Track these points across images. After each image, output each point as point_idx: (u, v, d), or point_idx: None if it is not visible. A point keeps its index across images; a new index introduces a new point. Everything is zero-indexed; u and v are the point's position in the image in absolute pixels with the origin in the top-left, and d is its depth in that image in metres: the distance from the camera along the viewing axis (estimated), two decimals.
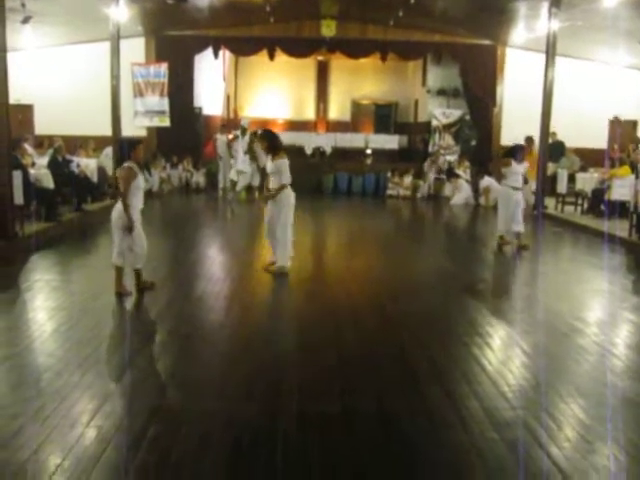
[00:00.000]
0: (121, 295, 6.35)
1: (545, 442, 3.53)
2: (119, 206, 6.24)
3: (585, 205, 13.26)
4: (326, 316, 6.09)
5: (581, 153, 15.58)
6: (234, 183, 15.42)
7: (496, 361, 4.84)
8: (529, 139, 14.82)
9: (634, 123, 18.40)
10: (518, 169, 9.51)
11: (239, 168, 14.95)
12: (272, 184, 7.57)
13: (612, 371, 4.66)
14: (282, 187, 7.49)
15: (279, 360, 4.82)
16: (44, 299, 6.42)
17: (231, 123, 19.83)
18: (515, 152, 9.65)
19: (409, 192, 16.98)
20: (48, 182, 10.64)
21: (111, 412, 3.77)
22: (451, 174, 16.83)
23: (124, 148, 6.47)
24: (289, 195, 7.60)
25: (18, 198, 9.11)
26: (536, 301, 6.74)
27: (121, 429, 3.55)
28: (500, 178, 10.39)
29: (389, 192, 17.17)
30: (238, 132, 15.26)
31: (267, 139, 7.61)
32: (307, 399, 4.08)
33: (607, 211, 11.52)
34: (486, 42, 17.99)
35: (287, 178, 7.47)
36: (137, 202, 6.35)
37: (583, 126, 16.93)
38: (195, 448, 3.41)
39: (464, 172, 16.71)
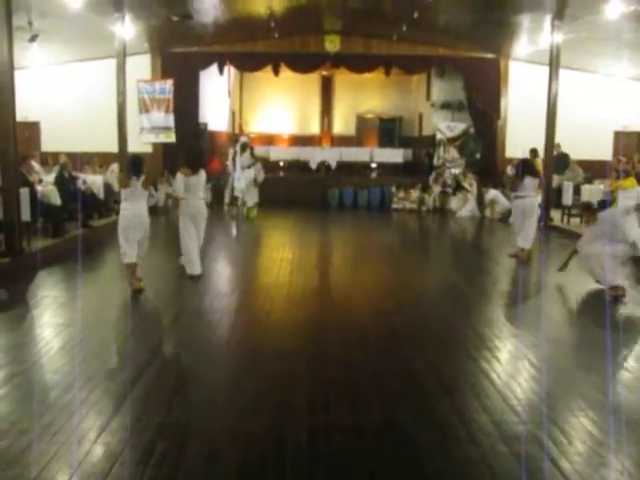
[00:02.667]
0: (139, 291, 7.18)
1: (556, 456, 3.50)
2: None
3: None
4: (333, 330, 6.07)
5: (586, 165, 15.57)
6: (236, 198, 15.34)
7: (505, 375, 4.81)
8: (533, 151, 14.85)
9: (639, 134, 18.39)
10: (530, 182, 9.48)
11: (235, 184, 15.03)
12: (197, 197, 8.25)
13: (622, 384, 4.62)
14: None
15: (286, 375, 4.80)
16: (51, 315, 6.43)
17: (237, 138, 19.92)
18: (526, 167, 9.66)
19: (415, 205, 16.97)
20: (55, 199, 10.69)
21: (119, 428, 3.76)
22: (458, 187, 16.83)
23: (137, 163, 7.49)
24: (186, 206, 8.19)
25: (25, 215, 9.16)
26: (544, 313, 6.71)
27: (129, 445, 3.54)
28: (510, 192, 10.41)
29: (394, 206, 17.17)
30: (237, 148, 15.29)
31: (191, 155, 8.47)
32: (315, 414, 4.06)
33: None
34: (490, 55, 18.05)
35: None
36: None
37: (588, 138, 16.94)
38: (203, 464, 3.39)
39: (469, 185, 16.72)
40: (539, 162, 14.94)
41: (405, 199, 17.07)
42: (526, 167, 9.73)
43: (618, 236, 7.27)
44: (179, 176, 8.15)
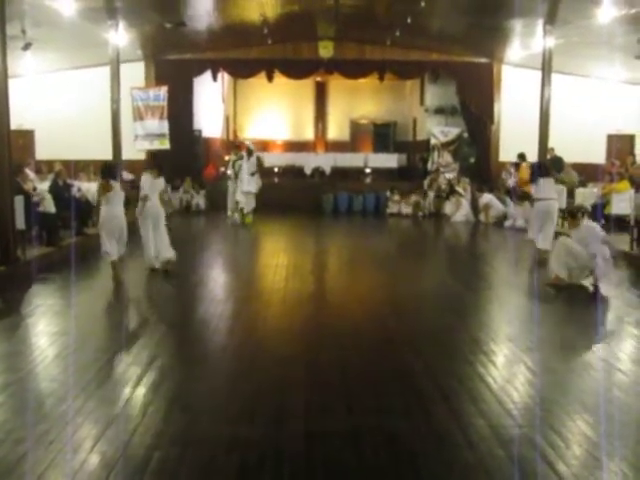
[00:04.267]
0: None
1: (553, 460, 3.50)
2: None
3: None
4: (329, 336, 6.07)
5: (580, 168, 15.64)
6: (237, 204, 15.07)
7: (501, 379, 4.81)
8: (521, 156, 15.00)
9: (631, 137, 18.49)
10: (546, 184, 9.51)
11: (245, 189, 14.72)
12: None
13: (618, 387, 4.63)
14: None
15: (283, 381, 4.79)
16: (46, 324, 6.41)
17: (243, 145, 19.86)
18: (538, 169, 9.69)
19: (410, 210, 16.99)
20: (49, 207, 10.66)
21: (115, 437, 3.74)
22: (452, 191, 16.87)
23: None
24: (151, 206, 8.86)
25: (20, 223, 9.13)
26: (539, 317, 6.72)
27: (125, 454, 3.53)
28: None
29: (389, 210, 17.20)
30: (243, 152, 15.15)
31: (156, 162, 9.36)
32: (312, 420, 4.05)
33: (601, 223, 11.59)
34: (482, 60, 18.14)
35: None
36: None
37: (581, 141, 17.02)
38: (200, 472, 3.38)
39: (464, 189, 16.76)
40: (524, 166, 15.13)
41: (405, 202, 17.04)
42: (540, 169, 9.74)
43: (589, 248, 7.61)
44: (148, 177, 8.92)
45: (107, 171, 8.25)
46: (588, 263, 7.66)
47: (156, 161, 9.36)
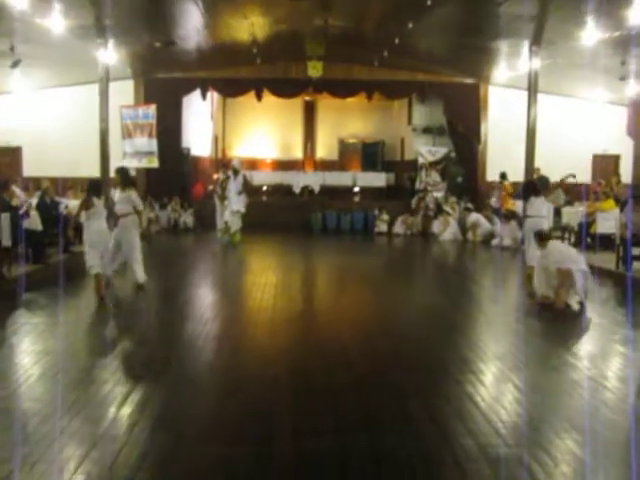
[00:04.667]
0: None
1: (541, 478, 3.49)
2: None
3: (572, 239, 13.37)
4: (317, 356, 6.04)
5: (565, 188, 15.77)
6: (226, 224, 14.95)
7: (489, 398, 4.80)
8: (502, 175, 15.20)
9: (616, 157, 18.70)
10: (536, 202, 9.63)
11: (234, 209, 14.64)
12: (120, 211, 8.95)
13: (606, 404, 4.63)
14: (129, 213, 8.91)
15: (270, 400, 4.75)
16: (31, 342, 6.33)
17: (230, 163, 19.87)
18: (530, 188, 9.83)
19: (399, 229, 17.05)
20: (36, 224, 10.59)
21: (99, 458, 3.69)
22: (439, 210, 16.96)
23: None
24: (135, 220, 8.99)
25: (6, 240, 9.07)
26: (527, 336, 6.73)
27: (110, 475, 3.48)
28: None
29: (377, 229, 17.24)
30: (229, 172, 15.10)
31: (120, 174, 9.23)
32: (300, 440, 4.02)
33: (584, 244, 11.72)
34: (469, 80, 18.34)
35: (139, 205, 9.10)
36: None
37: (567, 161, 17.11)
38: None
39: (451, 208, 16.85)
40: (507, 185, 15.32)
41: (406, 223, 17.09)
42: (529, 187, 9.89)
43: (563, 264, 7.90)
44: (116, 192, 9.25)
45: (92, 188, 8.43)
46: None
47: (121, 173, 9.26)
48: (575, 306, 7.79)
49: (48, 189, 11.86)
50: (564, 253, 8.11)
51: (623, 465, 3.69)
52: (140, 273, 8.96)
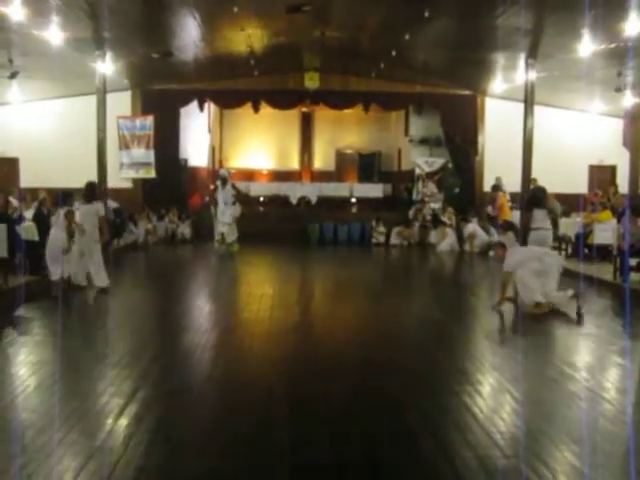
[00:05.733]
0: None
1: None
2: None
3: (569, 250, 13.39)
4: (314, 367, 6.02)
5: (562, 199, 15.84)
6: (222, 235, 14.93)
7: (487, 409, 4.79)
8: (495, 187, 15.27)
9: (613, 168, 18.79)
10: (539, 214, 9.68)
11: (225, 220, 14.62)
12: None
13: (604, 416, 4.62)
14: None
15: (267, 413, 4.73)
16: (28, 353, 6.30)
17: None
18: (533, 201, 9.88)
19: (396, 240, 17.06)
20: (33, 235, 10.57)
21: (96, 470, 3.66)
22: (437, 221, 16.98)
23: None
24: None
25: (2, 251, 9.04)
26: (525, 347, 6.72)
27: None
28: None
29: (374, 240, 17.25)
30: (218, 182, 15.04)
31: (86, 189, 9.82)
32: (297, 452, 4.00)
33: (581, 255, 11.76)
34: (466, 92, 18.44)
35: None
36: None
37: (563, 172, 17.26)
38: None
39: (449, 219, 16.88)
40: (502, 195, 15.36)
41: (401, 235, 17.09)
42: (532, 200, 9.89)
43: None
44: (79, 204, 9.81)
45: (62, 199, 9.48)
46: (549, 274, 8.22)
47: (86, 188, 9.84)
48: (573, 315, 7.83)
49: (45, 200, 11.84)
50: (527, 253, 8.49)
51: (622, 477, 3.67)
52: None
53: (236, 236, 14.78)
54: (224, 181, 14.72)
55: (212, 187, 15.97)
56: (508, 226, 14.20)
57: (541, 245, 9.62)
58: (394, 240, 17.09)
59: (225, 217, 14.52)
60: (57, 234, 9.16)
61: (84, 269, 9.61)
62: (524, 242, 9.91)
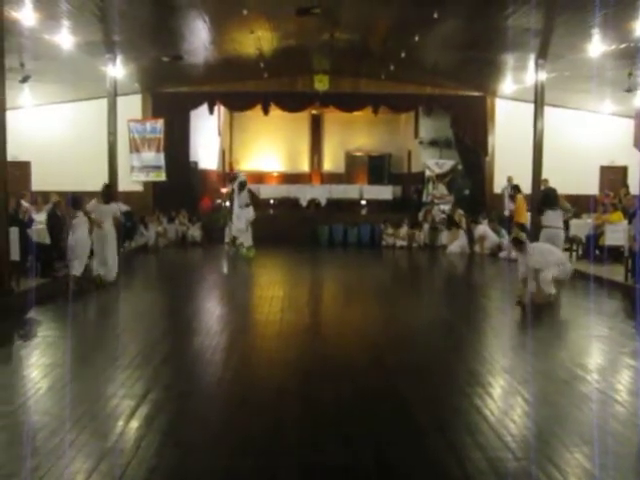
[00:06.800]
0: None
1: None
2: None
3: (580, 251, 13.32)
4: (324, 368, 6.02)
5: (573, 200, 15.76)
6: (235, 239, 14.87)
7: (498, 411, 4.77)
8: (516, 187, 15.15)
9: (624, 169, 18.67)
10: (552, 214, 9.73)
11: (237, 225, 14.52)
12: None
13: (616, 418, 4.60)
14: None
15: (278, 414, 4.74)
16: (40, 356, 6.35)
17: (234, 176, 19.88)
18: (547, 201, 9.93)
19: (405, 242, 17.01)
20: (44, 238, 10.64)
21: (107, 472, 3.69)
22: (451, 223, 16.88)
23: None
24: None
25: (14, 254, 9.10)
26: (536, 349, 6.69)
27: None
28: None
29: (384, 242, 17.22)
30: (234, 186, 15.02)
31: (104, 190, 10.81)
32: (307, 453, 4.00)
33: (592, 256, 11.72)
34: (476, 93, 18.38)
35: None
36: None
37: (574, 173, 17.17)
38: None
39: (459, 221, 16.82)
40: (520, 198, 15.24)
41: (394, 236, 17.10)
42: (545, 201, 9.97)
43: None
44: (95, 203, 10.41)
45: (73, 202, 9.90)
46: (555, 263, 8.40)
47: (104, 190, 10.87)
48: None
49: (59, 203, 11.89)
50: (545, 255, 8.46)
51: (634, 479, 3.65)
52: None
53: (251, 242, 14.60)
54: (242, 186, 14.57)
55: (227, 190, 15.86)
56: (520, 229, 14.17)
57: (551, 243, 9.63)
58: (402, 242, 16.98)
59: (240, 222, 14.43)
60: (83, 235, 9.76)
61: (102, 262, 10.22)
62: (536, 240, 9.93)
